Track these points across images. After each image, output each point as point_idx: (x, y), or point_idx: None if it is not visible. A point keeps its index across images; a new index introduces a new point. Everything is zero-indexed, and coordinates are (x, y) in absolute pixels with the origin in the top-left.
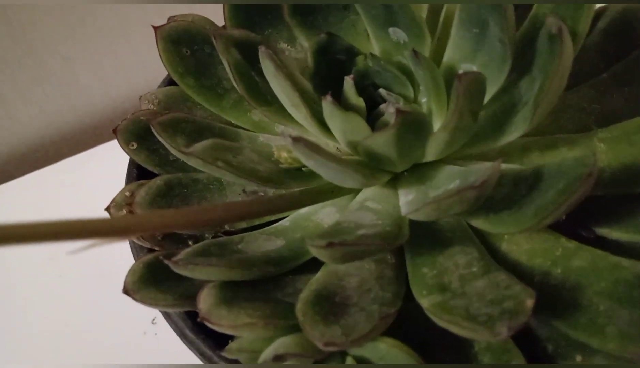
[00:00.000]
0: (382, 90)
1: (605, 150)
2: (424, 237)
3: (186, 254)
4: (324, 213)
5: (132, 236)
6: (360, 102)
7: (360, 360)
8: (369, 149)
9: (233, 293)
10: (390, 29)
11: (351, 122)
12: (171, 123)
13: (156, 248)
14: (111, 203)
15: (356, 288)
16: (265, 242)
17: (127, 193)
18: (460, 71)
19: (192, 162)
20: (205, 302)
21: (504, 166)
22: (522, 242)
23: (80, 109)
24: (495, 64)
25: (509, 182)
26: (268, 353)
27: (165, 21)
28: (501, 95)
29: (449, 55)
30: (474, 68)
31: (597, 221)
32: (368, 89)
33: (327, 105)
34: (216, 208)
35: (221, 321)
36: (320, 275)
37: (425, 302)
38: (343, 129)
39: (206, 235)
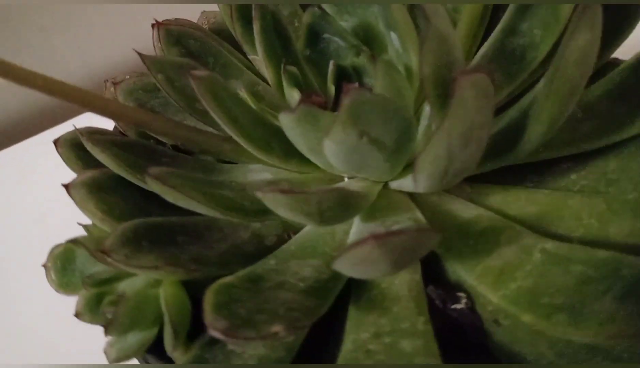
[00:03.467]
0: None
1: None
2: None
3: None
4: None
5: (110, 118)
6: (331, 89)
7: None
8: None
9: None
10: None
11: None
12: None
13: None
14: (110, 78)
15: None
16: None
17: (127, 77)
18: None
19: None
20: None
21: None
22: None
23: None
24: None
25: None
26: None
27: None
28: None
29: None
30: None
31: None
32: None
33: None
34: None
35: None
36: (273, 261)
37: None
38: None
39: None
